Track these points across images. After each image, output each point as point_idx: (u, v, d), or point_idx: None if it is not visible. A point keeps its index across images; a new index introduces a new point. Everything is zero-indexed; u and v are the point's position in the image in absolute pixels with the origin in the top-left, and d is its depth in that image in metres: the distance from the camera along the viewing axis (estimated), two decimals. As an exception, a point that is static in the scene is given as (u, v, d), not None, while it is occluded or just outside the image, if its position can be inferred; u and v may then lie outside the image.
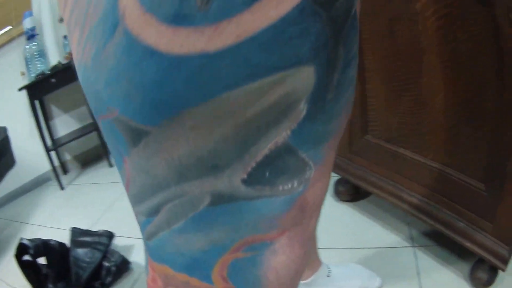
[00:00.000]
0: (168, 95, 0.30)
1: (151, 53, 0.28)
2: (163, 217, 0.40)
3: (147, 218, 0.41)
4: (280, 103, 0.30)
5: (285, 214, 0.38)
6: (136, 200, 0.42)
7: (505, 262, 1.02)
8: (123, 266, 1.61)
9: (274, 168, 0.34)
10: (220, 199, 0.36)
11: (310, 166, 0.36)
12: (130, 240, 1.79)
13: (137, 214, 0.44)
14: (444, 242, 1.36)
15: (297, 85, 0.30)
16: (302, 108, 0.31)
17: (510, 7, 0.72)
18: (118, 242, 1.74)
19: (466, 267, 1.24)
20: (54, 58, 2.70)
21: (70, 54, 2.67)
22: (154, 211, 0.40)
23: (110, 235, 1.68)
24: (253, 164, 0.34)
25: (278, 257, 0.41)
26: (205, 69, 0.28)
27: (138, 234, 1.76)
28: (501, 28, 0.78)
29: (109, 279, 1.53)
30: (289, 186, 0.36)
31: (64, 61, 2.68)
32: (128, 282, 1.55)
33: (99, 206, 2.17)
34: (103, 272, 1.53)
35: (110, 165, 2.58)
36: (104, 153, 2.61)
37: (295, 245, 0.41)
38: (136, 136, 0.34)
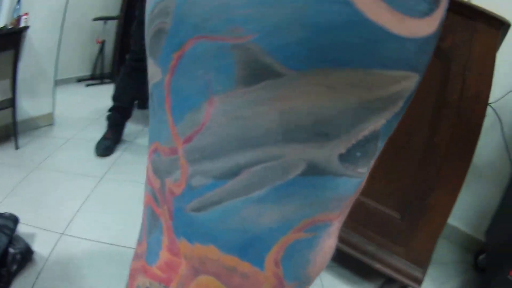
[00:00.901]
0: (338, 47, 0.28)
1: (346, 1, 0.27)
2: (244, 181, 0.34)
3: (216, 180, 0.35)
4: (396, 94, 0.33)
5: (350, 196, 0.38)
6: (205, 154, 0.35)
7: (419, 282, 1.16)
8: (28, 255, 1.50)
9: (362, 150, 0.35)
10: (313, 170, 0.34)
11: (375, 156, 0.38)
12: (31, 229, 1.69)
13: (193, 175, 0.36)
14: (347, 264, 1.47)
15: (409, 86, 0.34)
16: (400, 104, 0.35)
17: (466, 66, 0.86)
18: (19, 229, 1.63)
19: (372, 286, 1.36)
20: (2, 20, 2.47)
21: (17, 20, 2.45)
22: (231, 173, 0.34)
23: (15, 220, 1.57)
24: (354, 141, 0.34)
25: (330, 240, 0.40)
26: (384, 42, 0.29)
27: (41, 223, 1.65)
28: (452, 83, 0.92)
29: (14, 267, 1.43)
30: (363, 170, 0.37)
31: (9, 26, 2.46)
32: (32, 273, 1.45)
33: (1, 188, 2.01)
34: (9, 259, 1.43)
35: (17, 148, 2.40)
36: (12, 134, 2.41)
37: (339, 230, 0.42)
38: (258, 74, 0.30)
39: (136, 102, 2.73)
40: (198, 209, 0.37)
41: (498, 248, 1.53)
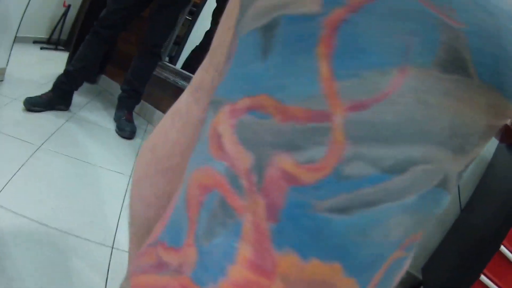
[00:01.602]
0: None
1: None
2: (406, 181, 0.27)
3: (382, 173, 0.26)
4: (498, 128, 0.32)
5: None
6: (380, 135, 0.27)
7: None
8: None
9: (464, 172, 0.31)
10: (443, 182, 0.29)
11: None
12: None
13: (352, 159, 0.26)
14: None
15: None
16: (491, 139, 0.33)
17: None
18: None
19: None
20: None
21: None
22: (400, 167, 0.27)
23: None
24: (469, 160, 0.31)
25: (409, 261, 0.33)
26: None
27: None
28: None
29: None
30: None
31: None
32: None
33: None
34: None
35: None
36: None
37: None
38: (454, 64, 0.26)
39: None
40: (340, 210, 0.26)
41: (436, 285, 1.55)
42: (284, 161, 0.26)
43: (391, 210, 0.27)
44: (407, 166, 0.27)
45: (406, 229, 0.28)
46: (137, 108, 2.84)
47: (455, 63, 0.26)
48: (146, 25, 2.58)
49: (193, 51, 3.20)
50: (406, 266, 0.31)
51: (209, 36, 3.00)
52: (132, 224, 0.57)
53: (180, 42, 3.28)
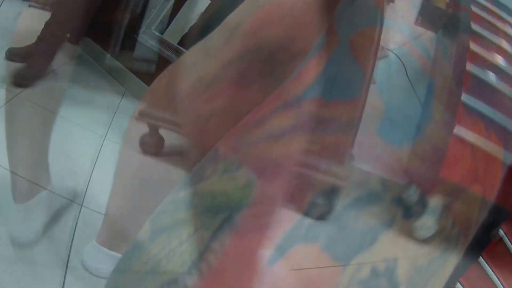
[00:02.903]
0: None
1: None
2: None
3: None
4: None
5: None
6: None
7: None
8: None
9: None
10: None
11: None
12: None
13: None
14: None
15: None
16: None
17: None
18: None
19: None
20: None
21: None
22: None
23: None
24: None
25: None
26: None
27: None
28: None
29: None
30: None
31: None
32: None
33: None
34: None
35: None
36: None
37: None
38: None
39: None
40: None
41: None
42: (468, 42, 0.32)
43: None
44: None
45: None
46: (114, 74, 2.83)
47: None
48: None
49: (190, 30, 3.10)
50: None
51: (206, 17, 2.91)
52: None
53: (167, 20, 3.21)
